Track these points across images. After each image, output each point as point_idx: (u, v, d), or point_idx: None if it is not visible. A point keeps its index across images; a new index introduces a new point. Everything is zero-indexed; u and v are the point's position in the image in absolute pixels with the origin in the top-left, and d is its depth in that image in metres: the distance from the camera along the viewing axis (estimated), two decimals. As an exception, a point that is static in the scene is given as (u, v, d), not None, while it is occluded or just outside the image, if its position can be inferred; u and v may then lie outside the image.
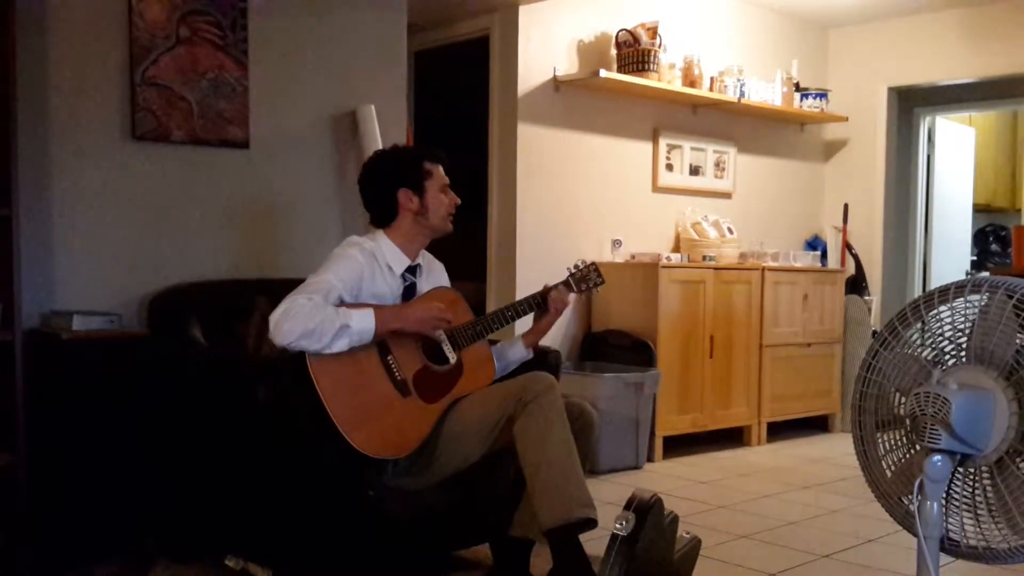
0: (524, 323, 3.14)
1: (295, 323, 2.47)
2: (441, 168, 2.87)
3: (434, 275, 2.97)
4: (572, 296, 2.99)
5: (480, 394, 2.74)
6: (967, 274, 7.09)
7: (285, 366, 2.58)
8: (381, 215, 2.87)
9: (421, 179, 2.81)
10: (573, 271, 2.98)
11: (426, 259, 2.96)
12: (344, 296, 2.64)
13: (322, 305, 2.53)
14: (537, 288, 2.96)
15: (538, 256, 4.85)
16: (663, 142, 5.42)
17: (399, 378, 2.64)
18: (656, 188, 5.43)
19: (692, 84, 5.28)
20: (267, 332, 2.53)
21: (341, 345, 2.52)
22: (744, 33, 5.88)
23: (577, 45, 5.02)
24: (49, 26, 3.16)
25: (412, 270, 2.87)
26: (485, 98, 4.95)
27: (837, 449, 5.29)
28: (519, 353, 3.00)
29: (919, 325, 2.14)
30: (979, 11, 5.76)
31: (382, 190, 2.84)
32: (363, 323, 2.56)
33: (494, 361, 2.91)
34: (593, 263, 3.00)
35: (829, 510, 3.98)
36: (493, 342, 2.99)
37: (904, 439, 2.15)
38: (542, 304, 2.91)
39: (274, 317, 2.51)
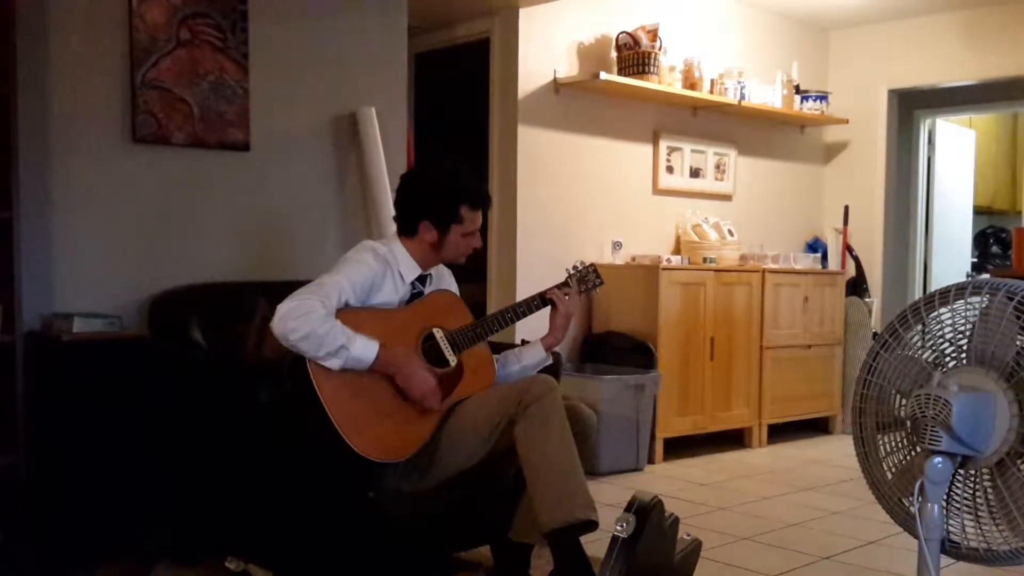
0: (523, 326, 3.14)
1: (301, 324, 2.47)
2: (479, 214, 2.80)
3: (443, 284, 2.98)
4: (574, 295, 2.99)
5: (481, 396, 2.73)
6: (967, 276, 7.10)
7: (286, 369, 2.58)
8: (402, 226, 2.85)
9: (450, 221, 2.77)
10: (572, 272, 2.98)
11: (436, 268, 2.96)
12: (352, 300, 2.64)
13: (332, 318, 2.52)
14: (537, 291, 2.96)
15: (538, 258, 4.85)
16: (663, 144, 5.42)
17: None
18: (656, 190, 5.43)
19: (692, 86, 5.28)
20: (268, 331, 2.53)
21: (334, 363, 2.50)
22: (744, 35, 5.88)
23: (577, 47, 5.02)
24: (50, 28, 3.16)
25: (422, 279, 2.88)
26: (485, 100, 4.96)
27: (837, 451, 5.29)
28: (538, 356, 2.98)
29: (919, 327, 2.14)
30: (979, 13, 5.76)
31: (409, 210, 2.83)
32: (363, 353, 2.54)
33: (494, 363, 2.91)
34: (592, 264, 3.01)
35: (830, 512, 3.98)
36: (493, 345, 2.98)
37: (905, 441, 2.15)
38: (541, 306, 2.91)
39: (282, 309, 2.50)
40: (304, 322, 2.47)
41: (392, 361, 2.59)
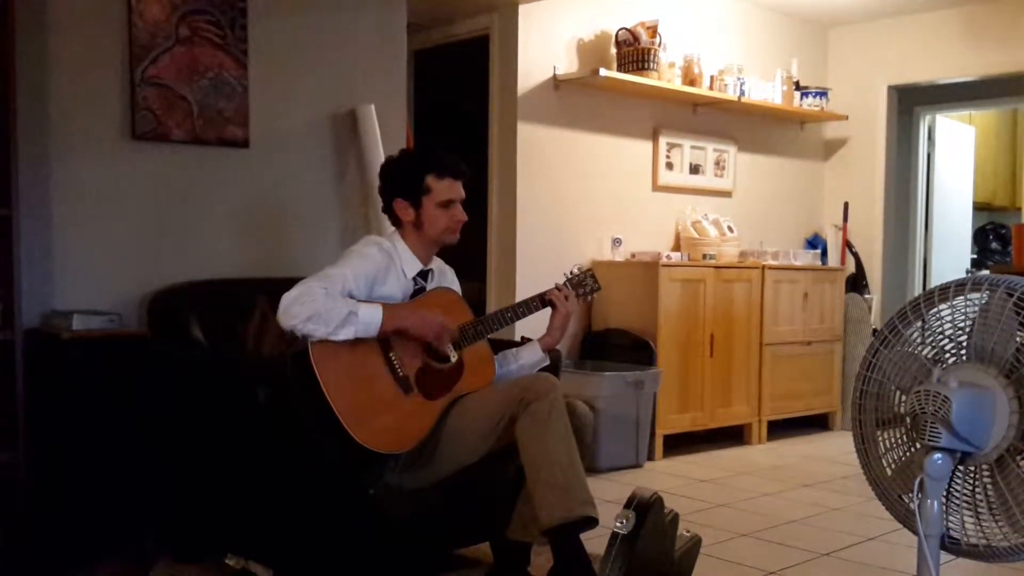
0: (524, 325, 3.14)
1: (305, 307, 2.49)
2: (447, 181, 2.80)
3: (445, 281, 2.99)
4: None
5: (482, 393, 2.74)
6: (967, 272, 7.10)
7: (287, 363, 2.58)
8: (390, 218, 2.90)
9: (419, 193, 2.80)
10: (570, 276, 2.99)
11: (438, 264, 2.98)
12: (356, 292, 2.66)
13: (333, 294, 2.56)
14: (537, 288, 2.97)
15: (538, 255, 4.85)
16: (663, 141, 5.42)
17: (401, 374, 2.65)
18: (656, 187, 5.43)
19: (692, 83, 5.27)
20: (268, 328, 2.54)
21: (347, 333, 2.53)
22: (744, 32, 5.87)
23: (577, 44, 5.02)
24: (49, 25, 3.16)
25: (424, 275, 2.89)
26: (485, 97, 4.95)
27: (837, 447, 5.30)
28: (535, 356, 2.99)
29: (919, 323, 2.14)
30: (979, 9, 5.76)
31: (384, 197, 2.88)
32: (370, 315, 2.58)
33: (494, 361, 2.91)
34: (590, 270, 3.03)
35: (829, 508, 3.98)
36: (493, 342, 2.98)
37: (904, 437, 2.15)
38: (541, 307, 2.92)
39: (286, 299, 2.53)
40: (308, 305, 2.50)
41: (398, 315, 2.64)
